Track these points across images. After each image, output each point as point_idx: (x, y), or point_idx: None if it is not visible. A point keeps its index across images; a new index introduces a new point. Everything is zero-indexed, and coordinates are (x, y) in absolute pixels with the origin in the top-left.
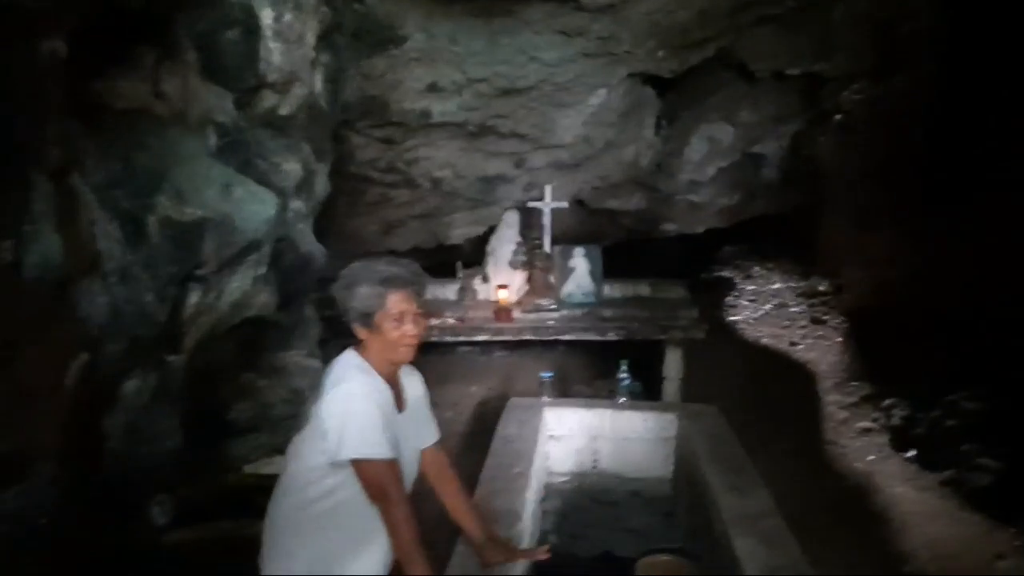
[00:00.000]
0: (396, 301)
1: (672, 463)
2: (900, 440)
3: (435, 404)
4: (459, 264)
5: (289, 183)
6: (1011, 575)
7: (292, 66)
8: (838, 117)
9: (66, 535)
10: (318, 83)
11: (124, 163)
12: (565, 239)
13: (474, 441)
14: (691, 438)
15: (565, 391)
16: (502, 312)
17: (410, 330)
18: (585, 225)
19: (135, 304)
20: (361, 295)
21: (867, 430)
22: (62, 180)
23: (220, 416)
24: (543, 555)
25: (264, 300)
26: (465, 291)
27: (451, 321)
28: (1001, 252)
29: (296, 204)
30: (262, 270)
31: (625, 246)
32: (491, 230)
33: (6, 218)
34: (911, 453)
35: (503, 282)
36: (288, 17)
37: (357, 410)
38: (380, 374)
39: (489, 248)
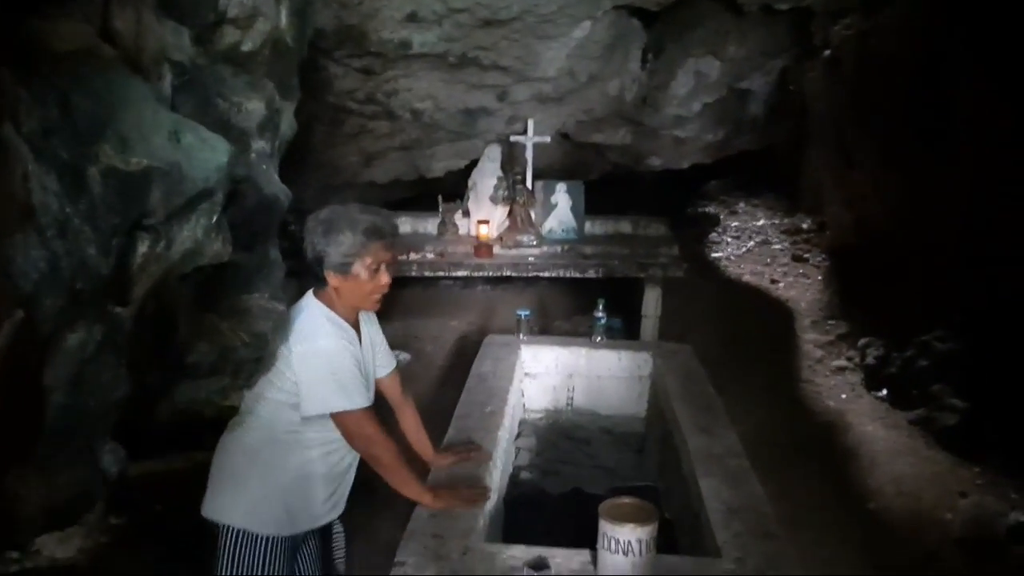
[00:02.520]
0: (376, 251)
1: (645, 401)
2: (873, 379)
3: (416, 337)
4: (440, 198)
5: (251, 123)
6: (972, 512)
7: (255, 0)
8: (827, 52)
9: (5, 494)
10: (283, 18)
11: (63, 109)
12: (550, 172)
13: (453, 375)
14: (664, 377)
15: (545, 326)
16: (482, 248)
17: (384, 279)
18: (570, 158)
19: (75, 257)
20: (342, 242)
21: (842, 369)
22: None
23: (179, 359)
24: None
25: (217, 249)
26: (445, 225)
27: (431, 256)
28: (984, 193)
29: (259, 144)
30: (215, 218)
31: (609, 180)
32: (473, 163)
33: None
34: (883, 392)
35: (484, 217)
36: None
37: (337, 367)
38: (345, 319)
39: (470, 182)
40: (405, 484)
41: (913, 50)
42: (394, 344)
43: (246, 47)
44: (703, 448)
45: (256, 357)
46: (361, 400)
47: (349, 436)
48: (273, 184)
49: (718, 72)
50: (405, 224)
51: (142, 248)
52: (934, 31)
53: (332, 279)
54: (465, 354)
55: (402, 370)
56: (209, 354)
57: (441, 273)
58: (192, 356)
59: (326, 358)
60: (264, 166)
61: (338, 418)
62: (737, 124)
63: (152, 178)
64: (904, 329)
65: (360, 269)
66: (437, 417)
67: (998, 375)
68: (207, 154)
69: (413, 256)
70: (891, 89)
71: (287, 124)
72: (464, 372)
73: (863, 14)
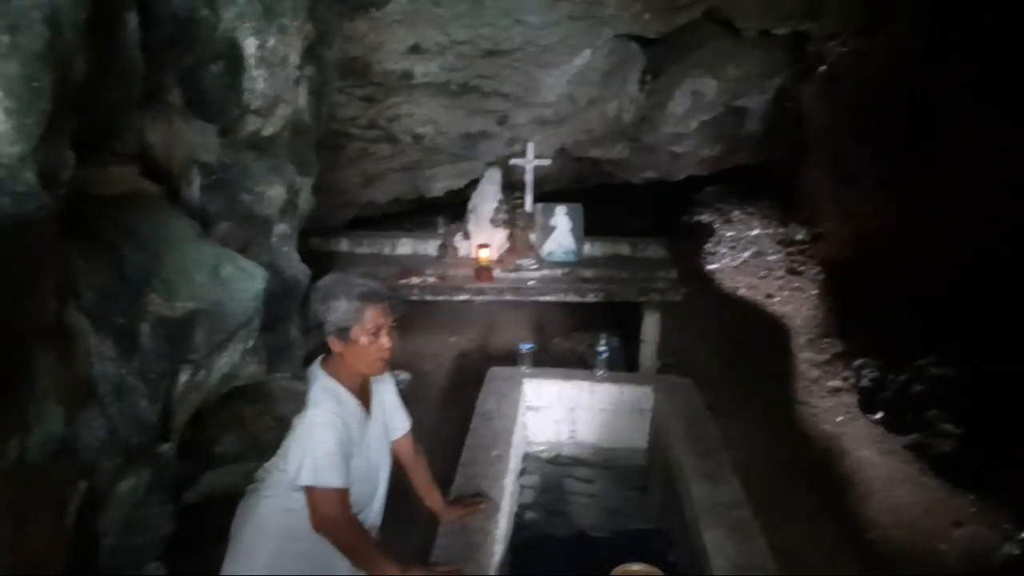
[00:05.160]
0: (373, 316)
1: (647, 435)
2: (869, 402)
3: (414, 355)
4: (440, 220)
5: (273, 209)
6: (967, 544)
7: (276, 90)
8: (823, 68)
9: None
10: (302, 99)
11: (116, 269)
12: (545, 183)
13: (453, 397)
14: (666, 415)
15: (543, 343)
16: (483, 271)
17: (385, 344)
18: (566, 171)
19: (129, 415)
20: (339, 309)
21: (837, 390)
22: (60, 325)
23: (207, 451)
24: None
25: (253, 370)
26: (446, 248)
27: (432, 280)
28: (979, 215)
29: (280, 228)
30: (251, 343)
31: (605, 188)
32: (473, 183)
33: (11, 414)
34: (878, 415)
35: (484, 239)
36: (272, 42)
37: (317, 440)
38: (349, 386)
39: (471, 205)
40: (375, 566)
41: (908, 70)
42: (393, 363)
43: (267, 132)
44: (707, 497)
45: (279, 440)
46: (329, 480)
47: (312, 513)
48: (293, 266)
49: (715, 91)
50: (406, 246)
51: (183, 379)
52: (929, 53)
53: (334, 345)
54: (464, 373)
55: (402, 391)
56: (235, 444)
57: (442, 297)
58: (220, 447)
59: (308, 429)
60: (285, 248)
61: (306, 492)
62: (733, 140)
63: (197, 320)
64: (899, 351)
65: (359, 334)
66: (439, 447)
67: (992, 402)
68: (245, 283)
69: (414, 280)
70: (886, 108)
71: (305, 200)
72: (464, 393)
73: (859, 36)
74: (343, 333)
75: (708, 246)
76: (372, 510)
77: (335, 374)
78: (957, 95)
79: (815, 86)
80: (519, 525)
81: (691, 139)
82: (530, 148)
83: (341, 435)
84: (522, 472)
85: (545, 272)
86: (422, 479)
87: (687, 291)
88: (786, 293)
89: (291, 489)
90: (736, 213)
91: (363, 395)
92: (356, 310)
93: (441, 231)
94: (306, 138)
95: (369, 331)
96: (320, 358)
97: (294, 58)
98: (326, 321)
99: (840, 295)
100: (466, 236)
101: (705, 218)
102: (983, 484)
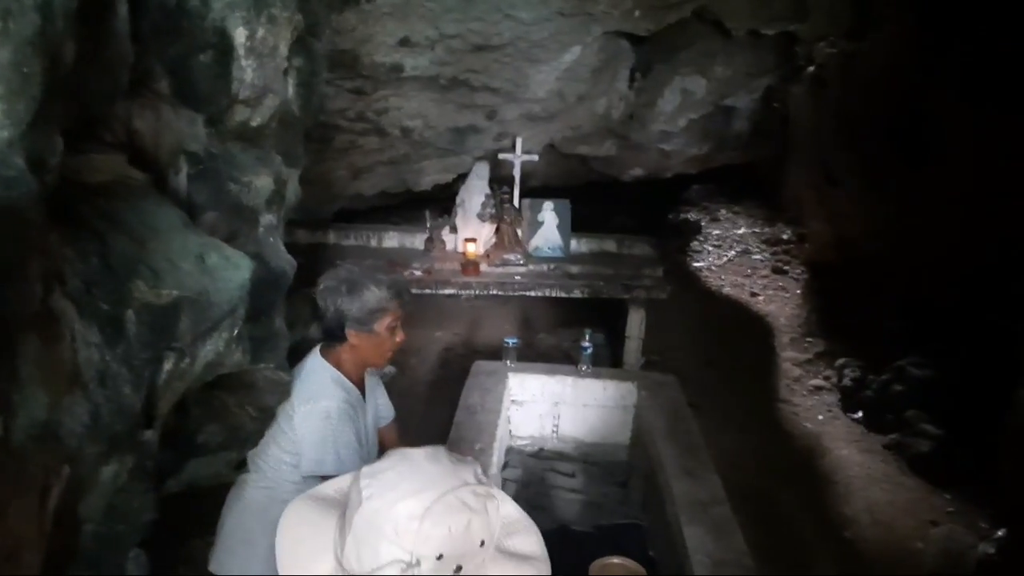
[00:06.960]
0: (396, 308)
1: (630, 431)
2: (849, 401)
3: (400, 349)
4: (427, 213)
5: (260, 200)
6: (943, 543)
7: (265, 80)
8: (811, 69)
9: None
10: (290, 89)
11: (101, 256)
12: (534, 179)
13: (439, 391)
14: (649, 411)
15: (529, 339)
16: (470, 266)
17: (400, 336)
18: (554, 167)
19: (114, 402)
20: (368, 299)
21: (819, 388)
22: (44, 311)
23: (190, 439)
24: None
25: (237, 359)
26: (433, 242)
27: (418, 273)
28: (960, 215)
29: (267, 219)
30: (236, 331)
31: (592, 184)
32: (461, 178)
33: None
34: (859, 414)
35: (471, 234)
36: (261, 32)
37: (337, 431)
38: (351, 378)
39: (458, 199)
40: None
41: (896, 73)
42: None
43: (255, 122)
44: (687, 494)
45: (261, 430)
46: (351, 468)
47: None
48: (280, 257)
49: (704, 90)
50: (393, 239)
51: (167, 366)
52: (918, 56)
53: (352, 337)
54: (450, 367)
55: (387, 384)
56: (218, 434)
57: (428, 291)
58: (202, 436)
59: (326, 421)
60: (271, 239)
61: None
62: (721, 139)
63: (181, 308)
64: (880, 351)
65: (381, 326)
66: (423, 440)
67: (971, 403)
68: (231, 273)
69: (401, 273)
70: (874, 110)
71: (292, 191)
72: (450, 388)
73: (848, 38)
74: (365, 324)
75: (694, 244)
76: None
77: (336, 364)
78: (943, 99)
79: (803, 87)
80: None
81: (679, 137)
82: (518, 143)
83: (355, 424)
84: (505, 466)
85: (531, 267)
86: None
87: (672, 289)
88: (770, 292)
89: (293, 481)
90: (723, 212)
91: (359, 385)
92: (386, 300)
93: (428, 225)
94: (294, 129)
95: (390, 325)
96: (319, 348)
97: (283, 49)
98: (348, 310)
99: (824, 295)
100: (453, 230)
101: (692, 216)
102: (960, 484)
